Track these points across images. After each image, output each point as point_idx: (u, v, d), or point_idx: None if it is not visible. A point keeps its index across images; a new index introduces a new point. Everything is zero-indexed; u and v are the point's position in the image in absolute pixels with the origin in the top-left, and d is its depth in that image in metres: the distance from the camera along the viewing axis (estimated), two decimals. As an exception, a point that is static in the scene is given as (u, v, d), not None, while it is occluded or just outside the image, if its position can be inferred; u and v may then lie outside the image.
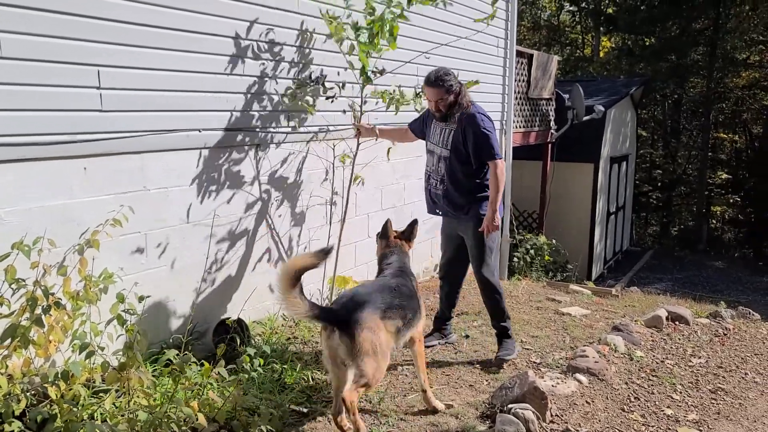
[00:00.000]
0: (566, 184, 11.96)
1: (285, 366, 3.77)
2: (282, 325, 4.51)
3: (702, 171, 21.01)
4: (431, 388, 3.46)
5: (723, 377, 4.25)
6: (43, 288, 2.64)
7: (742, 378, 4.26)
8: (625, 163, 14.24)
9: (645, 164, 24.13)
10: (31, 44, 2.96)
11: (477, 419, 3.31)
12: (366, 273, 5.60)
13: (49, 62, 3.05)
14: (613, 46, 26.20)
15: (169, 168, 3.74)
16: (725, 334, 5.19)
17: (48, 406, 2.67)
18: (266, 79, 4.33)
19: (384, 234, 3.67)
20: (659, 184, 24.00)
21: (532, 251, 9.50)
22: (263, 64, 4.29)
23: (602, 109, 11.35)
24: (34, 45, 2.98)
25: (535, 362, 4.25)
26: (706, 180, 21.39)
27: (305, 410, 3.29)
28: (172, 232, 3.81)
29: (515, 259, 9.22)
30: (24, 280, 2.70)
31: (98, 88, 3.25)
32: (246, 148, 4.27)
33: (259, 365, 3.66)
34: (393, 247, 3.59)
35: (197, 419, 2.62)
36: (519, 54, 8.90)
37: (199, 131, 3.89)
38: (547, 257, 9.66)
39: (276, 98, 4.42)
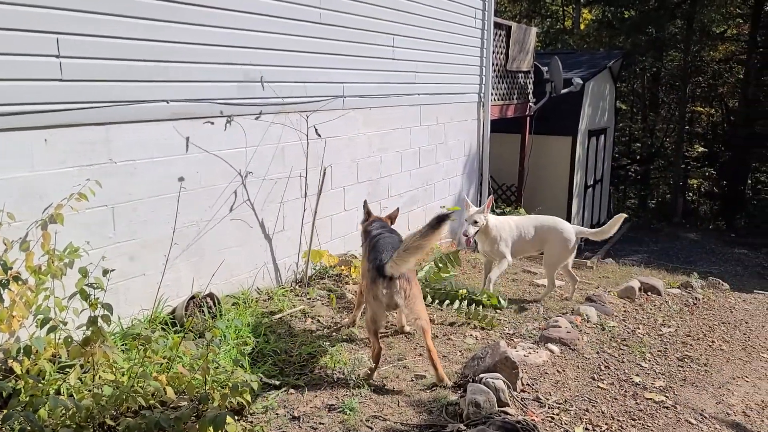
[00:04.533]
0: (544, 158, 11.97)
1: (258, 339, 3.76)
2: (256, 299, 4.49)
3: (679, 144, 21.17)
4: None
5: (690, 345, 4.34)
6: (2, 263, 2.57)
7: (709, 346, 4.35)
8: (603, 136, 14.28)
9: (624, 137, 24.27)
10: (-17, 10, 2.84)
11: (449, 389, 3.33)
12: (341, 246, 5.58)
13: (1, 30, 2.93)
14: (594, 18, 26.09)
15: (135, 140, 3.65)
16: (695, 304, 5.29)
17: (13, 381, 2.63)
18: (239, 48, 4.23)
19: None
20: (638, 157, 24.20)
21: None
22: (235, 32, 4.19)
23: (580, 81, 11.32)
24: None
25: (508, 333, 4.29)
26: (683, 153, 21.59)
27: (277, 383, 3.28)
28: (140, 205, 3.74)
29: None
30: (-18, 255, 2.63)
31: (57, 56, 3.14)
32: (217, 119, 4.18)
33: (232, 339, 3.66)
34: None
35: (165, 393, 2.60)
36: (497, 26, 8.81)
37: (167, 102, 3.80)
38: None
39: (251, 68, 4.32)
